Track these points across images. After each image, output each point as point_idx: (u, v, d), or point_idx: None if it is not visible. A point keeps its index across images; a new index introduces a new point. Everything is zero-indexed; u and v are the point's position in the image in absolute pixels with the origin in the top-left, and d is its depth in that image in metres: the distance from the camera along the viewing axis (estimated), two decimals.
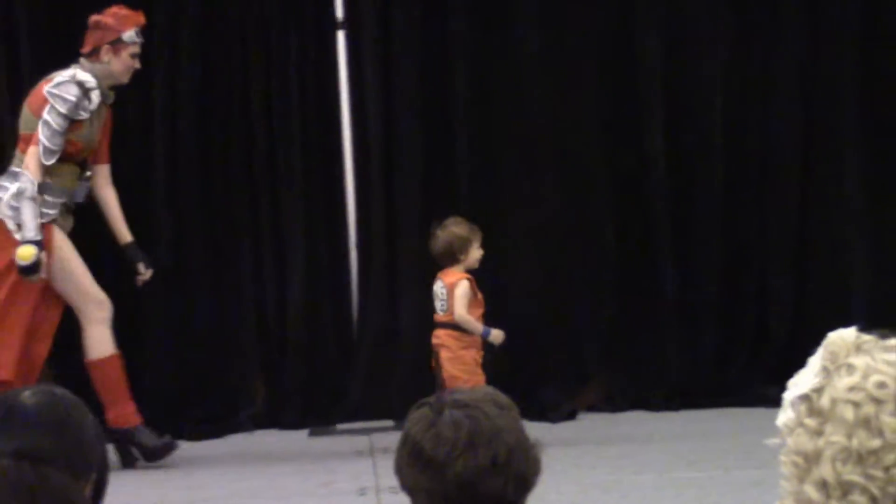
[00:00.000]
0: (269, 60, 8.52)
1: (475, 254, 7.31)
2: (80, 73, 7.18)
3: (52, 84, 7.14)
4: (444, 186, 8.56)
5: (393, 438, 7.63)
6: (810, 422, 2.08)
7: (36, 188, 7.03)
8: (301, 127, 8.55)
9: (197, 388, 8.44)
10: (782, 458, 2.13)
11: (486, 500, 2.41)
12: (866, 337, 2.13)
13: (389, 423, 8.07)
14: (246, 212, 8.55)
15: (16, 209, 7.06)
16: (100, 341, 7.32)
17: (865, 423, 2.04)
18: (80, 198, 7.38)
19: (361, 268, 8.62)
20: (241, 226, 8.56)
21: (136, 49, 7.30)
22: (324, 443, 8.02)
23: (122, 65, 7.28)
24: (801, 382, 2.13)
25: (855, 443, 2.04)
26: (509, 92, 8.61)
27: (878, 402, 2.05)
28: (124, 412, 7.30)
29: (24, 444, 2.42)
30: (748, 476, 6.32)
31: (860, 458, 2.04)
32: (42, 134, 7.07)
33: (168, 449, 7.38)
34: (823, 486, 2.05)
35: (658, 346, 8.58)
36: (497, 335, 7.26)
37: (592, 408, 8.49)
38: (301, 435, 8.24)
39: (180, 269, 8.46)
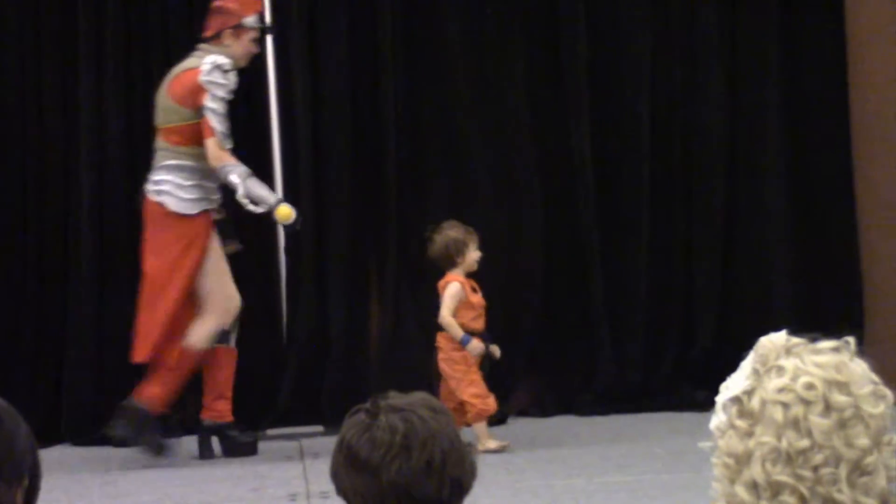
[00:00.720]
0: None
1: (472, 256, 7.36)
2: (217, 57, 7.32)
3: (203, 73, 7.29)
4: (374, 192, 8.55)
5: (323, 444, 7.68)
6: (741, 423, 2.10)
7: (244, 167, 7.31)
8: (231, 129, 8.49)
9: (122, 392, 8.36)
10: (714, 460, 2.15)
11: (422, 502, 2.42)
12: (796, 340, 2.15)
13: (319, 428, 8.05)
14: None
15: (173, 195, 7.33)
16: (210, 333, 7.51)
17: (794, 424, 2.06)
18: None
19: (290, 272, 8.59)
20: None
21: (255, 34, 7.43)
22: None
23: (242, 48, 7.43)
24: (732, 385, 2.15)
25: (784, 443, 2.06)
26: (439, 96, 8.61)
27: (806, 403, 2.07)
28: (220, 407, 7.55)
29: None
30: (678, 479, 6.35)
31: (789, 459, 2.05)
32: (214, 122, 7.29)
33: (253, 447, 7.59)
34: (754, 486, 2.07)
35: (585, 351, 8.61)
36: (475, 346, 7.29)
37: (522, 412, 8.51)
38: None
39: (105, 275, 8.40)
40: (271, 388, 8.49)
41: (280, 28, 8.52)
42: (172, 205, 7.39)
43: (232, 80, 7.35)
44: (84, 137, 8.39)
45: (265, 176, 8.55)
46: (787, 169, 8.77)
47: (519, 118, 8.65)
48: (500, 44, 8.64)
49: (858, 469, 2.05)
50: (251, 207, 7.36)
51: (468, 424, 7.26)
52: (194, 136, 7.38)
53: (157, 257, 7.41)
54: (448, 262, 7.37)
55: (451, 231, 7.38)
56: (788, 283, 8.73)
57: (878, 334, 8.52)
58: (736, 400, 2.12)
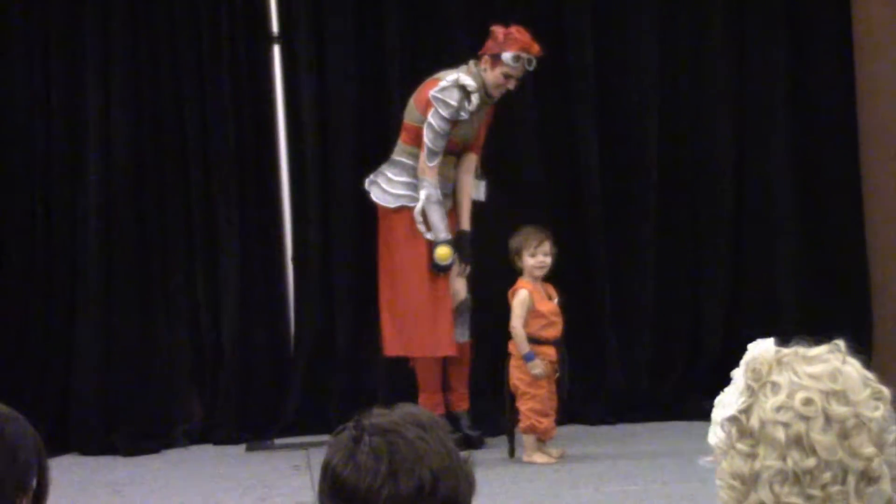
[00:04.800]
0: (202, 74, 8.47)
1: (528, 261, 7.31)
2: (463, 76, 7.55)
3: (437, 88, 7.53)
4: None
5: None
6: (742, 445, 2.07)
7: (437, 192, 7.54)
8: (236, 141, 8.51)
9: (130, 403, 8.37)
10: (718, 481, 2.12)
11: None
12: (786, 350, 2.12)
13: (326, 437, 8.01)
14: (179, 226, 8.50)
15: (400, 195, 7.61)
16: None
17: (797, 443, 2.04)
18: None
19: (297, 281, 8.59)
20: (174, 241, 8.51)
21: (511, 71, 7.52)
22: (260, 458, 7.97)
23: (493, 79, 7.57)
24: (727, 402, 2.12)
25: (790, 464, 2.03)
26: None
27: (806, 419, 2.05)
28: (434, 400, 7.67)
29: None
30: (685, 489, 6.33)
31: (797, 479, 2.03)
32: (426, 137, 7.54)
33: (481, 441, 7.69)
34: None
35: (593, 360, 8.60)
36: (536, 365, 7.21)
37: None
38: (238, 450, 8.19)
39: (112, 284, 8.40)
40: (279, 397, 8.48)
41: (286, 35, 8.53)
42: (375, 195, 7.67)
43: (464, 102, 7.52)
44: (92, 144, 8.38)
45: (272, 186, 8.58)
46: (795, 175, 8.76)
47: (525, 125, 8.64)
48: (633, 61, 8.66)
49: (866, 478, 2.03)
50: (421, 227, 7.54)
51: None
52: (419, 139, 7.60)
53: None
54: (516, 267, 7.35)
55: (512, 238, 7.40)
56: (796, 290, 8.71)
57: (887, 339, 8.51)
58: (734, 419, 2.09)
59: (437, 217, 7.55)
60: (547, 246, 7.32)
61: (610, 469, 7.17)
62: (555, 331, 7.29)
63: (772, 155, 8.76)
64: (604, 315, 8.62)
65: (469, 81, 7.54)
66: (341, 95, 8.55)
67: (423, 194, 7.55)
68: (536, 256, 7.29)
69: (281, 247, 8.61)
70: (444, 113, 7.51)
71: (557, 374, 7.29)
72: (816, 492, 2.03)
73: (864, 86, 8.71)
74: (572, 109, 8.67)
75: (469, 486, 2.36)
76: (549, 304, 7.31)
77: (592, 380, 8.57)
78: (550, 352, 7.26)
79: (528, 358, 7.20)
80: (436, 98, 7.53)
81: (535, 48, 7.55)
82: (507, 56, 7.50)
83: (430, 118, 7.52)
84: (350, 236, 8.50)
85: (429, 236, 7.56)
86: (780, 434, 2.04)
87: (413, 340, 7.67)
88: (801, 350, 2.11)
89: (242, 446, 8.22)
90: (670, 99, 8.74)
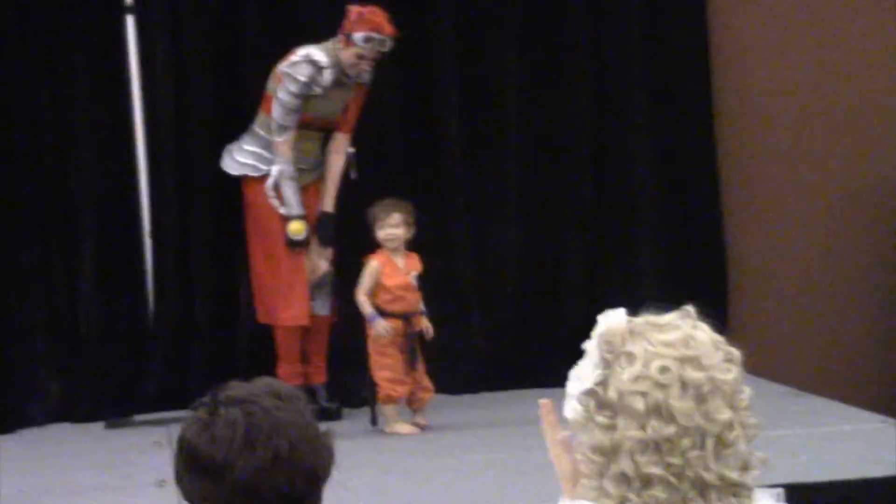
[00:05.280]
0: (55, 46, 8.32)
1: (378, 234, 7.30)
2: (315, 52, 7.46)
3: (287, 63, 7.44)
4: None
5: None
6: (601, 418, 2.06)
7: (290, 168, 7.52)
8: (90, 113, 8.38)
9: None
10: (577, 455, 2.12)
11: (273, 499, 2.27)
12: (637, 320, 2.12)
13: (188, 413, 7.94)
14: (33, 200, 8.35)
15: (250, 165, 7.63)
16: None
17: (656, 411, 2.04)
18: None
19: (155, 256, 8.48)
20: (27, 214, 8.35)
21: (363, 52, 7.42)
22: (121, 435, 7.88)
23: (347, 58, 7.49)
24: (582, 375, 2.11)
25: (650, 432, 2.03)
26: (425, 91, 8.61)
27: (664, 387, 2.04)
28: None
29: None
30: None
31: (658, 448, 2.04)
32: (274, 111, 7.52)
33: (338, 413, 7.69)
34: (624, 479, 2.05)
35: (457, 330, 8.63)
36: (380, 326, 7.20)
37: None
38: (97, 427, 8.08)
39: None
40: (138, 373, 8.38)
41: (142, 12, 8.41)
42: (223, 162, 7.75)
43: (315, 77, 7.44)
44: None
45: (128, 158, 8.46)
46: (653, 149, 8.85)
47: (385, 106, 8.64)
48: (493, 43, 8.64)
49: (722, 442, 2.05)
50: (274, 202, 7.52)
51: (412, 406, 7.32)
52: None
53: None
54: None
55: (368, 209, 7.38)
56: (654, 261, 8.83)
57: (743, 306, 8.69)
58: (591, 392, 2.08)
59: (290, 192, 7.54)
60: (395, 218, 7.28)
61: (472, 438, 7.20)
62: (402, 305, 7.30)
63: (630, 126, 8.85)
64: (466, 283, 8.65)
65: (322, 57, 7.48)
66: (197, 66, 8.45)
67: (274, 169, 7.54)
68: (384, 229, 7.28)
69: (139, 221, 8.49)
70: (293, 88, 7.46)
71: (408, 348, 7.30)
72: (676, 459, 2.04)
73: (720, 48, 8.84)
74: (435, 87, 8.66)
75: (328, 457, 2.35)
76: (400, 279, 7.30)
77: (455, 348, 8.60)
78: (398, 325, 7.27)
79: (370, 318, 7.22)
80: (284, 73, 7.49)
81: (387, 29, 7.50)
82: (357, 36, 7.45)
83: (279, 92, 7.49)
84: (209, 208, 8.41)
85: (282, 211, 7.55)
86: (639, 404, 2.04)
87: (270, 310, 7.71)
88: (653, 318, 2.11)
89: (101, 424, 8.11)
90: (530, 81, 8.76)
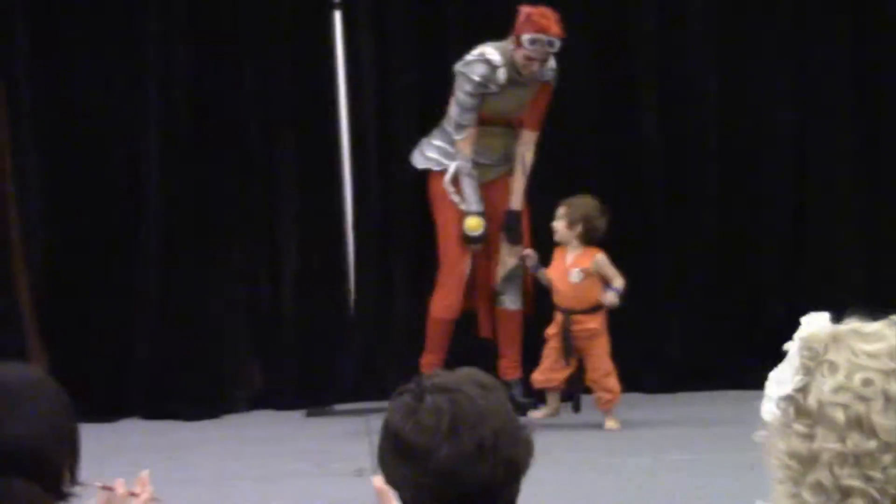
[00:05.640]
0: (264, 42, 8.48)
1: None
2: (489, 51, 7.55)
3: (462, 62, 7.58)
4: None
5: None
6: (799, 426, 2.03)
7: (469, 164, 7.57)
8: (297, 109, 8.52)
9: (191, 369, 8.42)
10: (773, 460, 2.08)
11: (475, 487, 2.27)
12: (842, 327, 2.07)
13: (386, 403, 8.01)
14: (238, 191, 8.52)
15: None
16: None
17: (857, 425, 1.99)
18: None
19: (357, 247, 8.59)
20: (233, 205, 8.52)
21: (530, 53, 7.48)
22: (319, 424, 8.00)
23: (518, 59, 7.54)
24: (782, 378, 2.07)
25: (850, 445, 1.99)
26: None
27: (866, 400, 2.00)
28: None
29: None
30: (742, 459, 6.28)
31: (857, 461, 1.99)
32: (452, 110, 7.61)
33: (533, 408, 7.72)
34: (821, 489, 2.01)
35: (650, 328, 8.57)
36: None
37: (587, 390, 8.46)
38: (297, 416, 8.21)
39: (172, 250, 8.44)
40: (338, 363, 8.50)
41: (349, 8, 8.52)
42: (413, 156, 7.82)
43: (490, 76, 7.49)
44: (152, 121, 8.41)
45: (332, 152, 8.57)
46: (858, 149, 8.67)
47: (582, 99, 8.59)
48: (694, 43, 8.65)
49: None
50: (454, 197, 7.59)
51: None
52: None
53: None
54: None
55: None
56: (858, 260, 8.64)
57: None
58: (790, 399, 2.04)
59: (469, 189, 7.59)
60: (559, 212, 7.47)
61: (666, 438, 7.15)
62: (559, 299, 7.50)
63: (834, 122, 8.68)
64: (662, 283, 8.58)
65: (495, 56, 7.52)
66: (402, 62, 8.54)
67: (452, 166, 7.60)
68: (557, 221, 7.47)
69: (342, 213, 8.60)
70: (468, 87, 7.51)
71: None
72: (877, 474, 1.99)
73: None
74: (630, 86, 8.61)
75: (528, 449, 2.34)
76: (558, 272, 7.46)
77: (650, 348, 8.55)
78: (558, 317, 7.46)
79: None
80: (460, 72, 7.56)
81: (554, 30, 7.46)
82: (525, 38, 7.46)
83: (456, 91, 7.57)
84: (410, 203, 8.48)
85: (462, 206, 7.61)
86: (840, 415, 2.00)
87: (431, 300, 7.80)
88: (858, 326, 2.07)
89: (302, 412, 8.24)
90: (730, 82, 8.65)
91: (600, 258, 7.42)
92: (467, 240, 7.62)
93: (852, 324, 2.07)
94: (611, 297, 7.41)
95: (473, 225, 7.59)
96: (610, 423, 7.43)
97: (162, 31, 8.41)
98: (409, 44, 8.53)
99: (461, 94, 7.55)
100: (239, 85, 8.48)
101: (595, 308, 7.43)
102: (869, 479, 1.99)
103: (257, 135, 8.51)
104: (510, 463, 2.30)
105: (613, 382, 7.41)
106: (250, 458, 7.12)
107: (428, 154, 7.77)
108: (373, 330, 8.52)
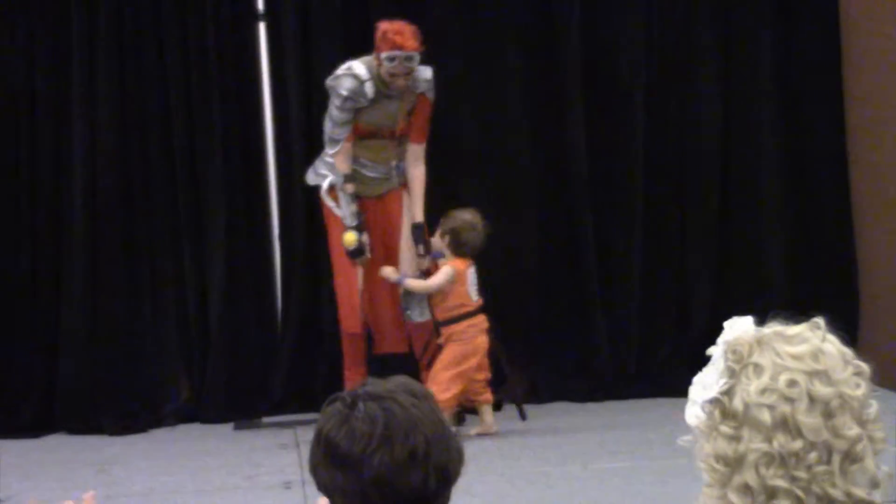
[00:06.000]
0: (186, 53, 8.44)
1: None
2: (356, 65, 7.53)
3: (331, 76, 7.56)
4: None
5: None
6: (725, 427, 2.05)
7: (341, 179, 7.55)
8: (221, 120, 8.48)
9: (117, 383, 8.36)
10: (700, 463, 2.10)
11: (407, 495, 2.29)
12: (765, 330, 2.10)
13: (315, 415, 8.00)
14: (164, 206, 8.47)
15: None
16: None
17: (783, 425, 2.02)
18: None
19: (284, 260, 8.57)
20: (159, 220, 8.47)
21: (391, 69, 7.45)
22: (248, 436, 7.97)
23: (384, 74, 7.52)
24: (707, 382, 2.09)
25: (776, 446, 2.02)
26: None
27: (791, 401, 2.03)
28: None
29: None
30: (673, 465, 6.33)
31: (783, 461, 2.02)
32: (325, 125, 7.62)
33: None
34: (747, 490, 2.04)
35: (580, 337, 8.59)
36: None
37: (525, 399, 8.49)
38: (225, 429, 8.18)
39: (99, 264, 8.38)
40: (266, 376, 8.47)
41: (274, 20, 8.49)
42: (307, 175, 7.77)
43: (358, 90, 7.47)
44: (77, 131, 8.34)
45: (258, 164, 8.55)
46: (781, 155, 8.75)
47: (514, 114, 8.61)
48: (497, 40, 8.61)
49: (849, 458, 2.03)
50: (336, 211, 7.57)
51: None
52: None
53: None
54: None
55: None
56: (782, 267, 8.72)
57: (873, 317, 8.53)
58: (716, 401, 2.07)
59: (343, 203, 7.58)
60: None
61: (597, 446, 7.18)
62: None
63: (758, 135, 8.75)
64: (591, 292, 8.60)
65: (361, 70, 7.50)
66: (327, 74, 8.52)
67: (326, 181, 7.60)
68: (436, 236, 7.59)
69: (268, 226, 8.58)
70: (336, 101, 7.50)
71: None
72: (802, 473, 2.02)
73: (851, 61, 8.71)
74: (560, 95, 8.63)
75: (459, 458, 2.37)
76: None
77: (579, 357, 8.58)
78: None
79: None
80: (329, 86, 7.55)
81: (410, 45, 7.45)
82: (382, 56, 7.47)
83: (330, 106, 7.56)
84: None
85: (338, 213, 7.61)
86: (766, 416, 2.03)
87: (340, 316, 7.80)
88: (781, 329, 2.09)
89: (230, 425, 8.21)
90: (657, 81, 8.70)
91: (444, 269, 7.52)
92: (347, 254, 7.60)
93: (775, 327, 2.10)
94: (389, 272, 7.61)
95: (348, 240, 7.56)
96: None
97: (87, 38, 8.34)
98: (334, 53, 8.51)
99: (332, 108, 7.54)
100: (165, 95, 8.43)
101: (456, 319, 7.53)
102: (794, 479, 2.02)
103: (183, 146, 8.46)
104: (442, 471, 2.32)
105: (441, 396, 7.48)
106: (180, 473, 7.08)
107: (320, 171, 7.71)
108: (300, 343, 8.50)
